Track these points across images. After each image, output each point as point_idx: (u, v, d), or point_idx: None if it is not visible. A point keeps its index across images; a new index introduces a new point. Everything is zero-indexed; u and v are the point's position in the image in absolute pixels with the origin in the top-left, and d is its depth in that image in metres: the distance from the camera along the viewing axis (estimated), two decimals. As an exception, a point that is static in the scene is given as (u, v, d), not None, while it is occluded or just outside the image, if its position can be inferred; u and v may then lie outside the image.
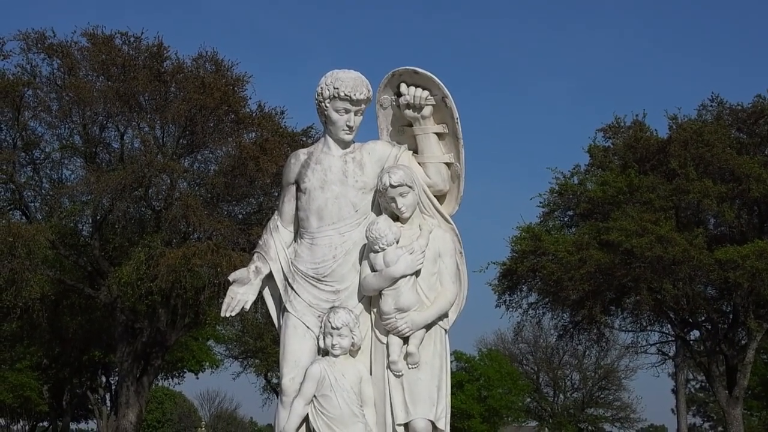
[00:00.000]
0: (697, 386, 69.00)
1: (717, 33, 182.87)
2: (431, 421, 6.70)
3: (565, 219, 52.73)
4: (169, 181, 43.43)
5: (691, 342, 54.85)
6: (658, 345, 58.89)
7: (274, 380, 65.62)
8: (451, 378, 7.54)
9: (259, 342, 58.13)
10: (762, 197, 48.00)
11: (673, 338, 55.53)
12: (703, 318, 53.13)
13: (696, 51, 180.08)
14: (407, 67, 7.24)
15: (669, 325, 54.63)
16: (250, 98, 44.50)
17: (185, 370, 69.01)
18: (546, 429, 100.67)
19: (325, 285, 6.98)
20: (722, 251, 46.15)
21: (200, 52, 44.29)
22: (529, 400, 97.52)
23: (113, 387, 50.15)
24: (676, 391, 59.97)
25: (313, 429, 6.65)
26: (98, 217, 45.25)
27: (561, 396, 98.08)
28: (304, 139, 40.06)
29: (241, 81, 44.42)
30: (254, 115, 44.14)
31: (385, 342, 6.82)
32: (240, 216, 43.39)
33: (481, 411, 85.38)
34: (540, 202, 52.44)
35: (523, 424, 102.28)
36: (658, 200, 48.03)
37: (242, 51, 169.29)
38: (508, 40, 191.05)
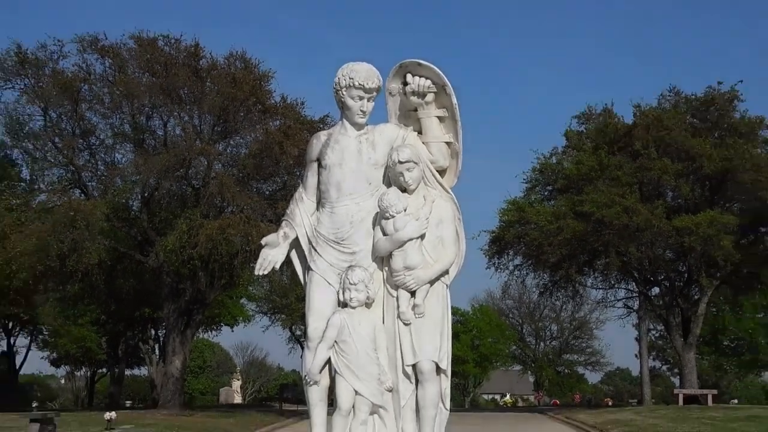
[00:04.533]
0: (657, 335, 69.04)
1: (675, 30, 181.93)
2: (435, 362, 6.71)
3: (545, 193, 53.03)
4: (206, 162, 43.69)
5: (652, 297, 55.05)
6: (624, 300, 59.17)
7: (298, 332, 65.78)
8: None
9: (284, 300, 58.29)
10: (713, 173, 48.19)
11: (637, 294, 55.73)
12: (662, 277, 53.47)
13: (657, 47, 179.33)
14: (412, 60, 7.24)
15: (633, 283, 54.95)
16: (274, 91, 44.74)
17: (222, 324, 69.37)
18: (529, 372, 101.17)
19: (344, 247, 7.00)
20: (679, 220, 46.44)
21: (231, 51, 44.58)
22: (514, 347, 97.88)
23: (161, 338, 50.36)
24: (639, 339, 60.11)
25: (335, 369, 6.66)
26: (146, 194, 45.49)
27: (541, 344, 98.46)
28: (321, 126, 39.84)
29: (266, 76, 44.55)
30: (278, 105, 44.33)
31: (395, 295, 6.83)
32: (267, 192, 43.56)
33: (474, 357, 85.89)
34: (524, 179, 53.42)
35: (510, 368, 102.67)
36: (624, 177, 48.25)
37: (267, 49, 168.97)
38: (505, 42, 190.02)
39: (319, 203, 7.20)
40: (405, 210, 6.84)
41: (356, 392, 6.63)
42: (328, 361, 6.71)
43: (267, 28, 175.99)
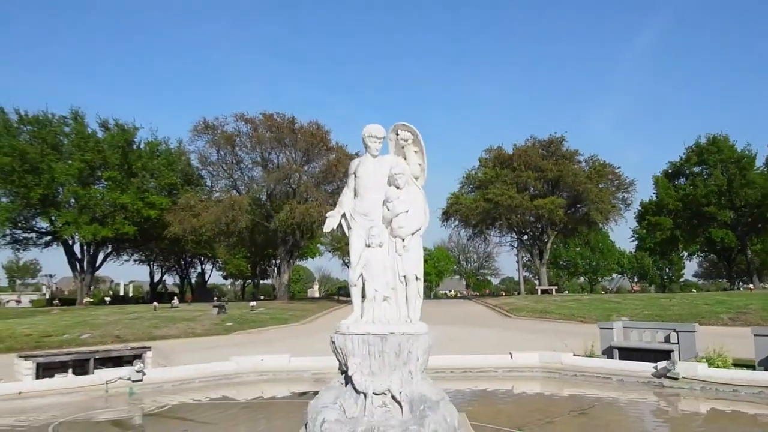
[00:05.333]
0: (526, 259, 69.26)
1: (536, 96, 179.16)
2: (415, 274, 6.67)
3: (470, 188, 52.86)
4: (298, 176, 43.80)
5: (524, 240, 55.02)
6: (509, 242, 59.14)
7: (346, 260, 65.94)
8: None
9: (339, 244, 58.48)
10: (552, 178, 48.45)
11: (517, 239, 55.68)
12: (528, 230, 53.41)
13: (522, 110, 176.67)
14: (401, 122, 7.17)
15: (514, 233, 54.85)
16: (332, 139, 44.95)
17: (308, 257, 69.85)
18: (463, 279, 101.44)
19: (368, 217, 6.90)
20: (536, 201, 46.65)
21: (310, 120, 44.95)
22: (455, 267, 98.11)
23: (278, 264, 50.63)
24: (518, 261, 60.18)
25: (364, 279, 6.60)
26: (268, 192, 45.70)
27: (468, 265, 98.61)
28: (356, 156, 40.31)
29: (328, 132, 44.76)
30: (334, 147, 44.44)
31: (395, 241, 6.78)
32: (329, 190, 43.63)
33: (434, 272, 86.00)
34: (459, 182, 53.53)
35: (453, 277, 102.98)
36: (508, 180, 48.29)
37: (329, 114, 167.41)
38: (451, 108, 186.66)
39: (355, 195, 7.12)
40: (398, 198, 6.78)
41: (375, 290, 6.59)
42: (361, 275, 6.66)
43: (325, 106, 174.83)
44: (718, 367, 10.12)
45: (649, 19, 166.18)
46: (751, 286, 51.26)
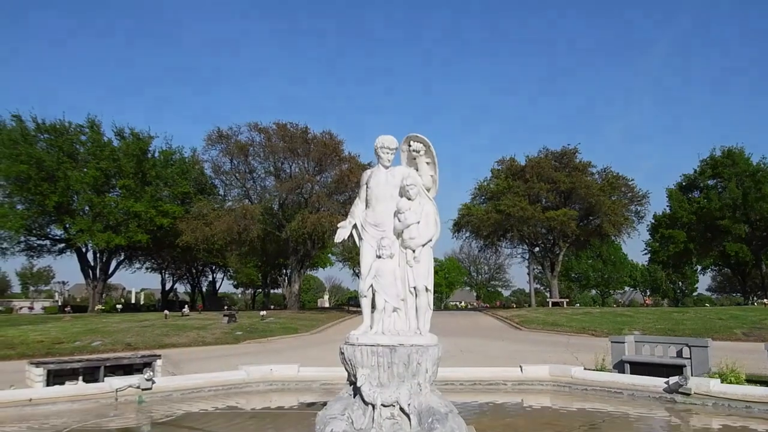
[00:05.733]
0: (537, 271, 68.84)
1: (551, 111, 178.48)
2: (425, 285, 6.65)
3: (482, 200, 52.76)
4: (310, 186, 43.85)
5: (535, 252, 54.76)
6: (521, 254, 58.91)
7: (357, 270, 65.87)
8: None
9: (350, 254, 58.43)
10: (565, 190, 48.26)
11: (528, 251, 55.42)
12: (540, 241, 53.19)
13: (540, 123, 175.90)
14: (413, 134, 7.20)
15: (526, 245, 54.66)
16: (345, 150, 45.03)
17: (319, 267, 69.67)
18: (474, 291, 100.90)
19: (379, 228, 6.90)
20: (548, 213, 46.45)
21: (323, 130, 45.08)
22: (465, 278, 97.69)
23: (288, 273, 50.60)
24: (529, 273, 59.79)
25: (374, 289, 6.60)
26: (281, 201, 45.81)
27: (479, 276, 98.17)
28: (368, 166, 40.14)
29: (341, 142, 44.83)
30: (347, 157, 44.48)
31: (405, 252, 6.77)
32: (341, 200, 43.67)
33: (445, 283, 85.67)
34: (471, 192, 53.53)
35: (463, 288, 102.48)
36: (520, 191, 48.16)
37: (342, 125, 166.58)
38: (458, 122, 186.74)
39: (367, 206, 7.13)
40: (410, 209, 6.79)
41: (385, 301, 6.58)
42: (371, 285, 6.65)
43: (338, 114, 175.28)
44: (731, 382, 9.99)
45: (664, 29, 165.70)
46: (765, 300, 50.54)
